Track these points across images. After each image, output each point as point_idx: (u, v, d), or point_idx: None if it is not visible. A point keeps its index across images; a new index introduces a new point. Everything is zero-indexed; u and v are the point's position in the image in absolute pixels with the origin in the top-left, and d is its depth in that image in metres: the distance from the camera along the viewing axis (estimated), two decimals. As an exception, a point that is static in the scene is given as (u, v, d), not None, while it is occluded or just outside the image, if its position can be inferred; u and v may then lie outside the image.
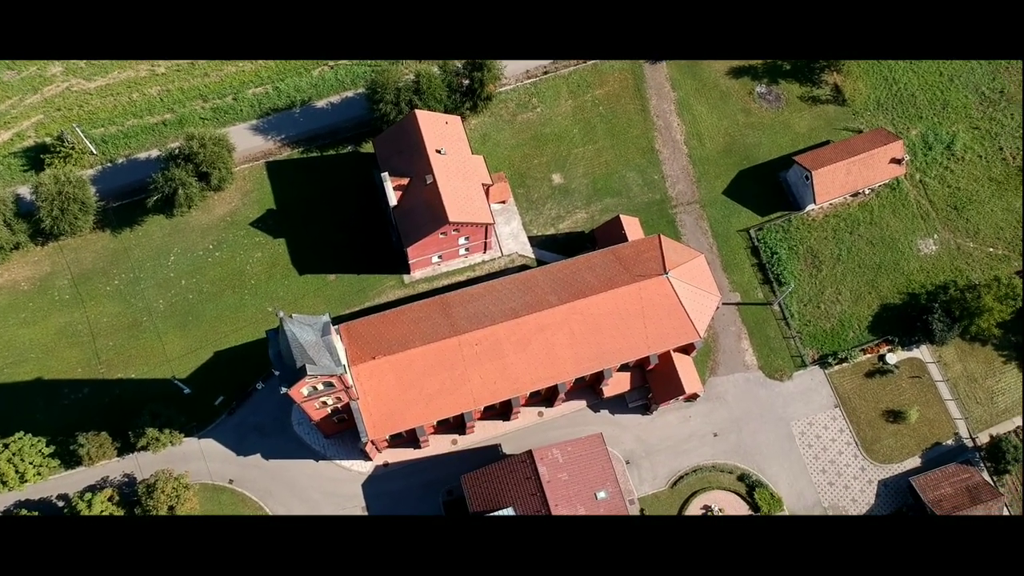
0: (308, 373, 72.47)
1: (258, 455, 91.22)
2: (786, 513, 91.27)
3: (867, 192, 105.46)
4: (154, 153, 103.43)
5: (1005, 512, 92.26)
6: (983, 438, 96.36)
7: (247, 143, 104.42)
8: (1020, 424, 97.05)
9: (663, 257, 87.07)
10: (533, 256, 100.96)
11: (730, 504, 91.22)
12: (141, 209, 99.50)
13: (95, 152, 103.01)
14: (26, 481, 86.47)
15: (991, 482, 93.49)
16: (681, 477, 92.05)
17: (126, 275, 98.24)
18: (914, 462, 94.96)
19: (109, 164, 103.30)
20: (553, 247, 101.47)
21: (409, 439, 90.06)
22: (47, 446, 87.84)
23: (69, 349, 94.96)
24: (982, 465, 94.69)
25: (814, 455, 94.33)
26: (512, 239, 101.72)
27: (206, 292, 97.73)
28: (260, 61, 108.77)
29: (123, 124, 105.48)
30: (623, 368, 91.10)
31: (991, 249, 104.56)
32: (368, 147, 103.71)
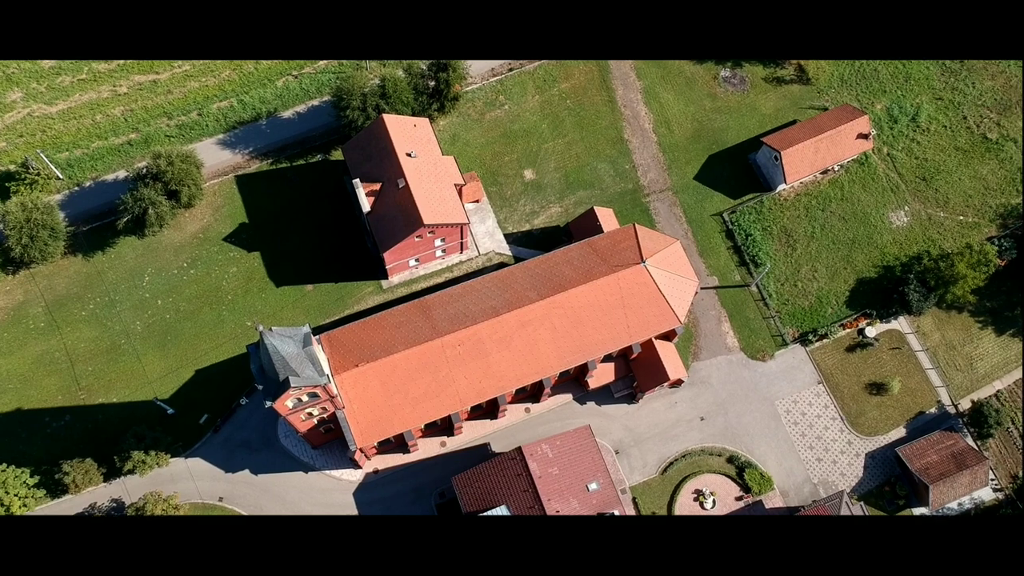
0: (292, 385, 72.13)
1: (247, 471, 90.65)
2: (776, 492, 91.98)
3: (836, 168, 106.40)
4: (121, 174, 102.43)
5: (991, 475, 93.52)
6: (965, 404, 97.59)
7: (215, 158, 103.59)
8: (1000, 388, 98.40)
9: (639, 246, 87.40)
10: (510, 253, 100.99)
11: (721, 486, 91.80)
12: (112, 231, 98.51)
13: (61, 177, 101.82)
14: (11, 513, 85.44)
15: (975, 447, 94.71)
16: (671, 463, 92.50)
17: (101, 299, 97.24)
18: (899, 432, 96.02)
19: (76, 188, 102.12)
20: (529, 243, 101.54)
21: (398, 444, 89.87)
22: (31, 476, 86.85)
23: (48, 377, 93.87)
24: (965, 431, 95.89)
25: (800, 432, 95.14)
26: (488, 238, 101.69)
27: (183, 311, 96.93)
28: (224, 74, 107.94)
29: (88, 147, 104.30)
30: (607, 359, 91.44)
31: (961, 217, 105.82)
32: (338, 155, 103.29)
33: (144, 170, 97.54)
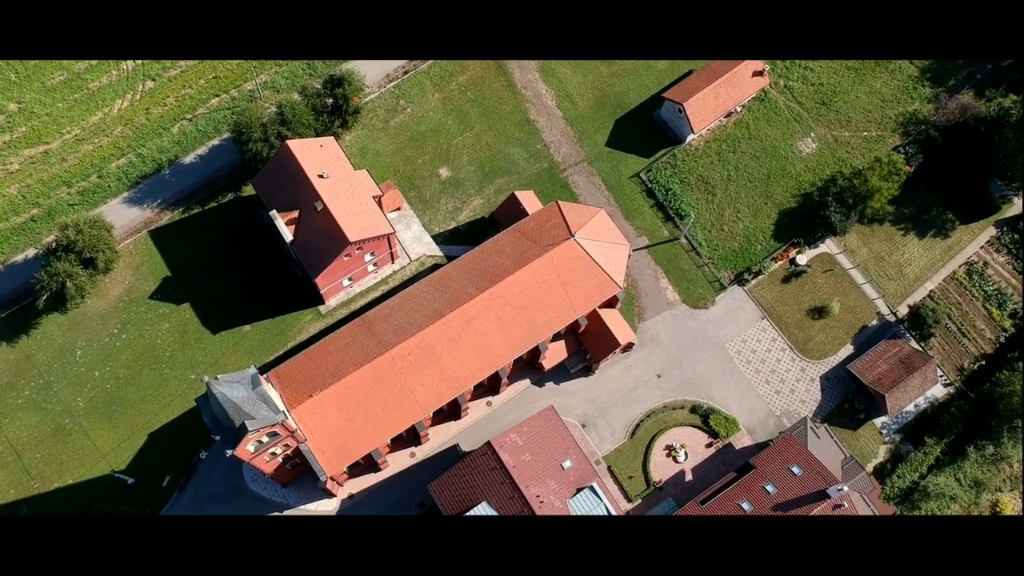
0: (250, 429, 71.16)
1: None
2: (743, 431, 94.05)
3: (739, 110, 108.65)
4: (31, 252, 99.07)
5: (939, 372, 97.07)
6: (903, 310, 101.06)
7: (125, 217, 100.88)
8: (932, 288, 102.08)
9: (566, 221, 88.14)
10: (442, 254, 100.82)
11: (690, 438, 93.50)
12: (33, 312, 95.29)
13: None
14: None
15: (920, 348, 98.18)
16: (638, 425, 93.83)
17: (35, 383, 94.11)
18: (847, 350, 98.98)
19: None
20: (458, 240, 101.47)
21: (368, 465, 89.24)
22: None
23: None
24: (908, 336, 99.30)
25: (755, 369, 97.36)
26: (417, 242, 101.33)
27: (123, 377, 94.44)
28: (116, 131, 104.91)
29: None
30: (556, 338, 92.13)
31: (865, 133, 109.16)
32: (249, 190, 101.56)
33: (54, 244, 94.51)
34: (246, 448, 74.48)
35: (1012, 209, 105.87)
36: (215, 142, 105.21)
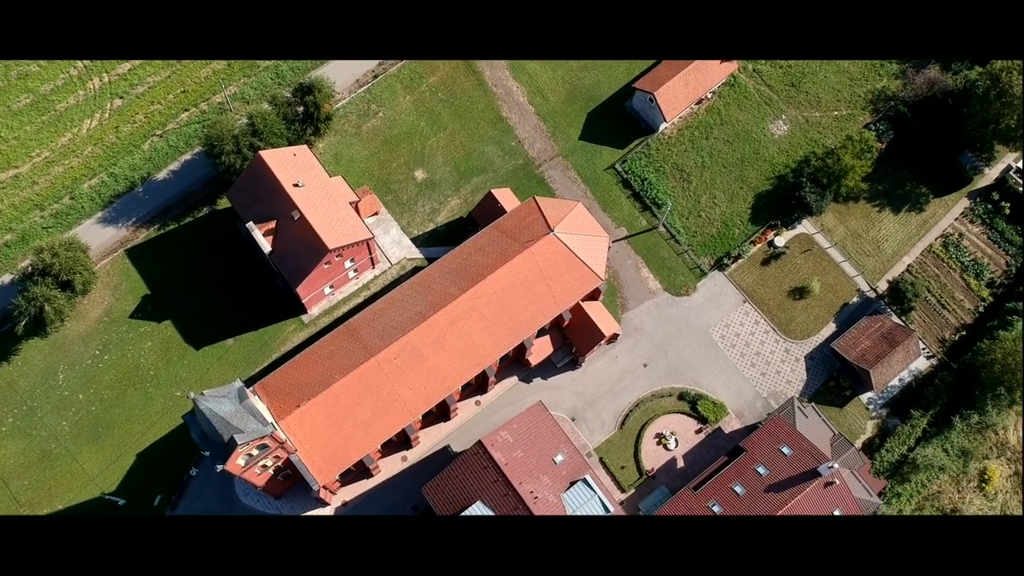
0: (239, 443, 70.85)
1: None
2: (731, 415, 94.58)
3: (710, 96, 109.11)
4: (7, 278, 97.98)
5: (921, 345, 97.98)
6: (882, 286, 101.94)
7: (100, 238, 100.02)
8: (909, 263, 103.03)
9: (544, 217, 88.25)
10: (422, 256, 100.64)
11: (679, 425, 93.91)
12: (12, 339, 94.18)
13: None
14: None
15: (901, 322, 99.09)
16: (627, 415, 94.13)
17: (18, 409, 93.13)
18: (830, 329, 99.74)
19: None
20: (438, 241, 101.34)
21: (360, 471, 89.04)
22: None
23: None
24: (889, 311, 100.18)
25: (739, 353, 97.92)
26: (396, 246, 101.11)
27: (108, 399, 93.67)
28: (87, 151, 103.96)
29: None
30: (541, 333, 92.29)
31: (836, 112, 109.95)
32: (224, 203, 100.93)
33: (29, 268, 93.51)
34: (236, 462, 74.14)
35: (984, 180, 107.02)
36: (187, 157, 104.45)
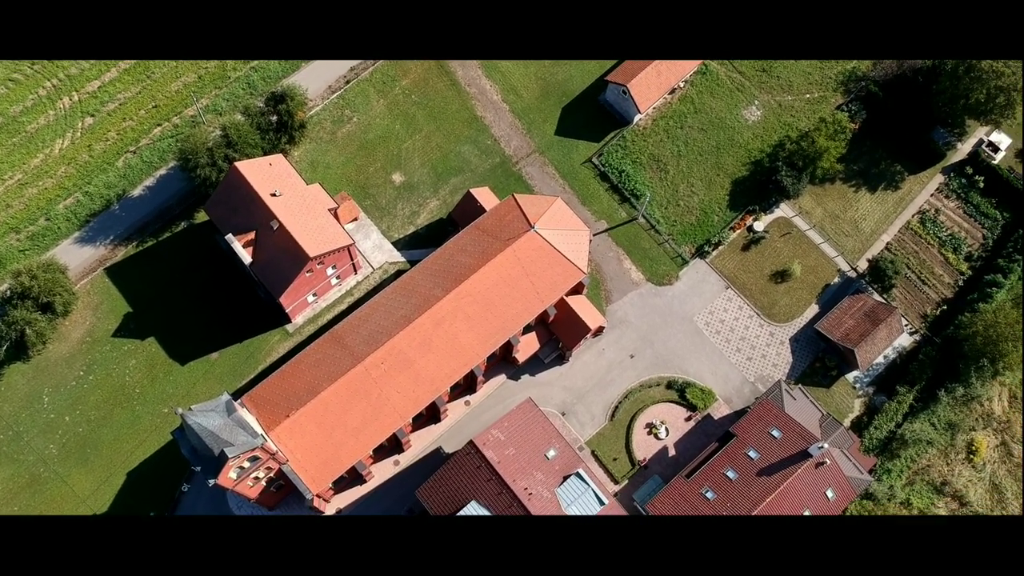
0: (230, 456, 70.57)
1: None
2: (720, 401, 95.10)
3: (682, 85, 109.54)
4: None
5: (904, 321, 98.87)
6: (863, 265, 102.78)
7: (78, 258, 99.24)
8: (888, 240, 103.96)
9: (524, 214, 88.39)
10: (404, 259, 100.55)
11: (669, 413, 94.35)
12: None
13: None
14: None
15: (883, 300, 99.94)
16: (617, 407, 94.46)
17: (4, 435, 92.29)
18: (813, 310, 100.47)
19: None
20: (419, 243, 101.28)
21: (353, 478, 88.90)
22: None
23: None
24: (870, 289, 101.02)
25: (725, 339, 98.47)
26: (377, 251, 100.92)
27: (95, 419, 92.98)
28: (60, 171, 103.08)
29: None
30: (527, 330, 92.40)
31: (808, 95, 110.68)
32: (202, 216, 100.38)
33: (8, 292, 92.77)
34: (228, 475, 73.87)
35: (957, 155, 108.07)
36: (162, 172, 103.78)
